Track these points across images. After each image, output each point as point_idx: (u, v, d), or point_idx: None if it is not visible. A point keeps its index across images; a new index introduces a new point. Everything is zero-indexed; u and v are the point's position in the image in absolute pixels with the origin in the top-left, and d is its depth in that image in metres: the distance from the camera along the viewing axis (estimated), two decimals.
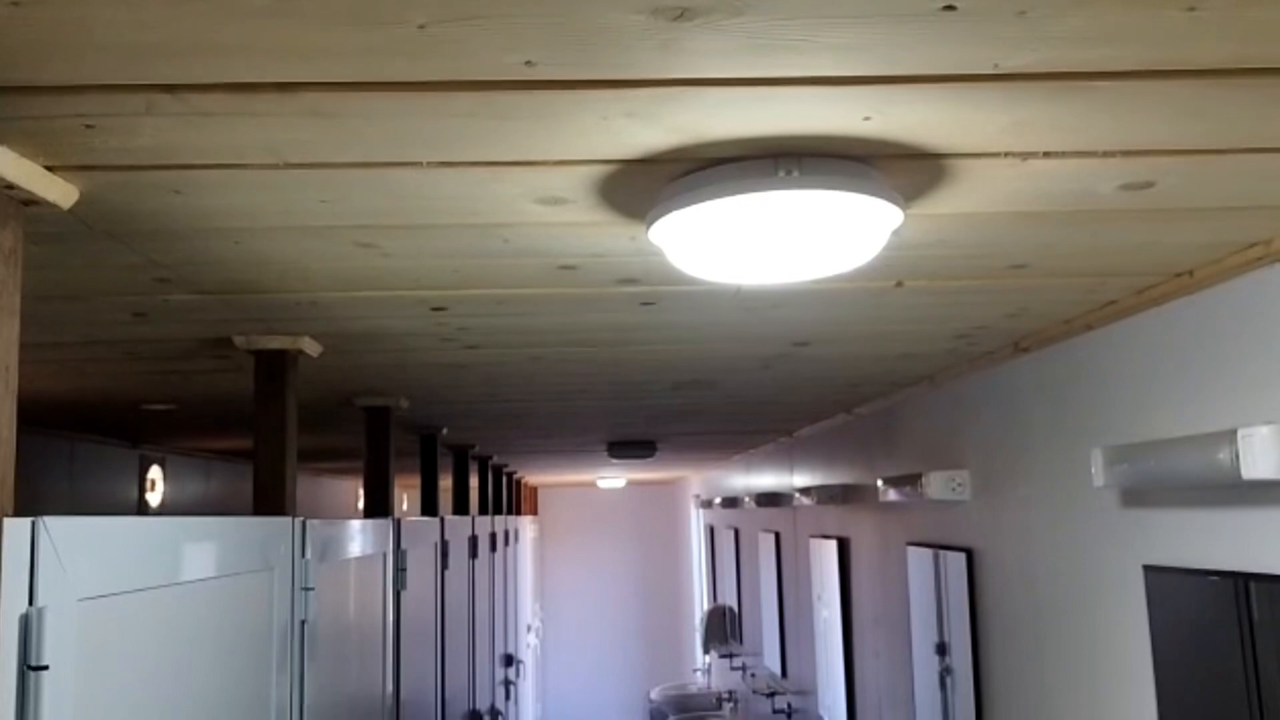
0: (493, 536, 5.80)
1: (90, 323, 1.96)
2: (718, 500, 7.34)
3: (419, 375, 2.79)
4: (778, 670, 5.63)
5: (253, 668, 1.83)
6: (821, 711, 4.62)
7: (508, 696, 6.43)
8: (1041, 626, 2.44)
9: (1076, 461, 2.26)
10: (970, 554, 2.86)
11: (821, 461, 4.65)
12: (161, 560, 1.47)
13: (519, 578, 7.67)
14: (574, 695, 11.23)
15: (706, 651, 7.91)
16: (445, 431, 4.38)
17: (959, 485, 2.88)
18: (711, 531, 8.42)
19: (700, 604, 9.20)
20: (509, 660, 6.69)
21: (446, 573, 4.06)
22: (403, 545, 3.19)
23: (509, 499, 8.04)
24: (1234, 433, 1.55)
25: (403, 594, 3.16)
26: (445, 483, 7.95)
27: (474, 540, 4.98)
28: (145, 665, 1.40)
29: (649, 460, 5.76)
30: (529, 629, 8.72)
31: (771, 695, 5.62)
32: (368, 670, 2.70)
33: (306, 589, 2.13)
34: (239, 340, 2.15)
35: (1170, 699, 1.90)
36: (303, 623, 2.11)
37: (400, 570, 3.16)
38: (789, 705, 5.37)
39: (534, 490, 11.45)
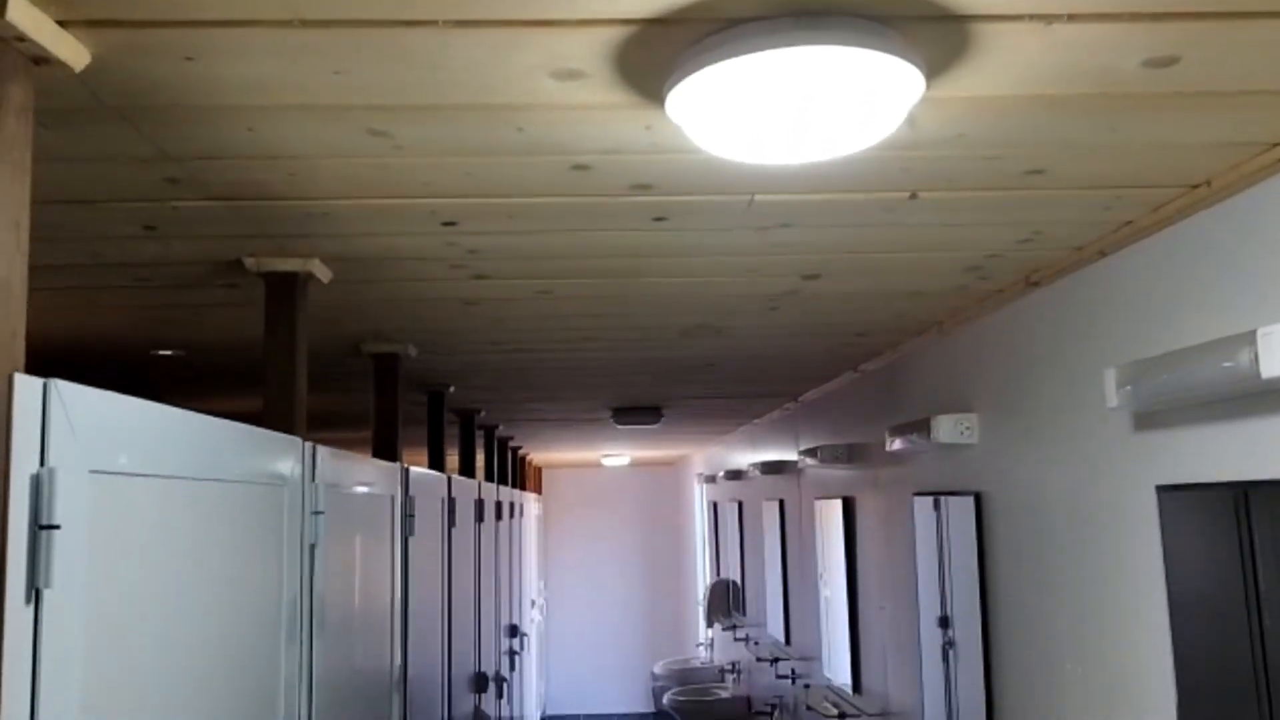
0: (498, 505, 5.80)
1: (101, 236, 1.95)
2: (721, 473, 7.33)
3: (428, 314, 2.78)
4: (781, 638, 5.63)
5: (261, 587, 1.82)
6: (827, 673, 4.62)
7: (512, 667, 6.43)
8: (1051, 559, 2.43)
9: (1088, 394, 2.24)
10: (978, 497, 2.85)
11: (827, 425, 4.64)
12: (175, 449, 1.46)
13: (523, 551, 7.68)
14: (577, 671, 11.25)
15: (710, 625, 7.91)
16: (452, 390, 4.37)
17: (967, 428, 2.87)
18: (715, 507, 8.42)
19: (703, 581, 9.20)
20: (513, 630, 6.69)
21: (454, 530, 4.06)
22: (411, 492, 3.19)
23: (514, 474, 8.04)
24: (1253, 334, 1.53)
25: (410, 541, 3.15)
26: (452, 461, 7.95)
27: (480, 504, 4.98)
28: (157, 555, 1.39)
29: (654, 427, 5.75)
30: (533, 604, 8.73)
31: (775, 661, 5.61)
32: (375, 610, 2.70)
33: (316, 513, 2.12)
34: (249, 262, 2.14)
35: (1184, 621, 1.88)
36: (312, 547, 2.11)
37: (408, 516, 3.15)
38: (793, 671, 5.37)
39: (538, 470, 11.45)
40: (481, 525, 5.02)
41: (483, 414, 5.49)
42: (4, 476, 1.08)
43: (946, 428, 2.87)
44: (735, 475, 6.87)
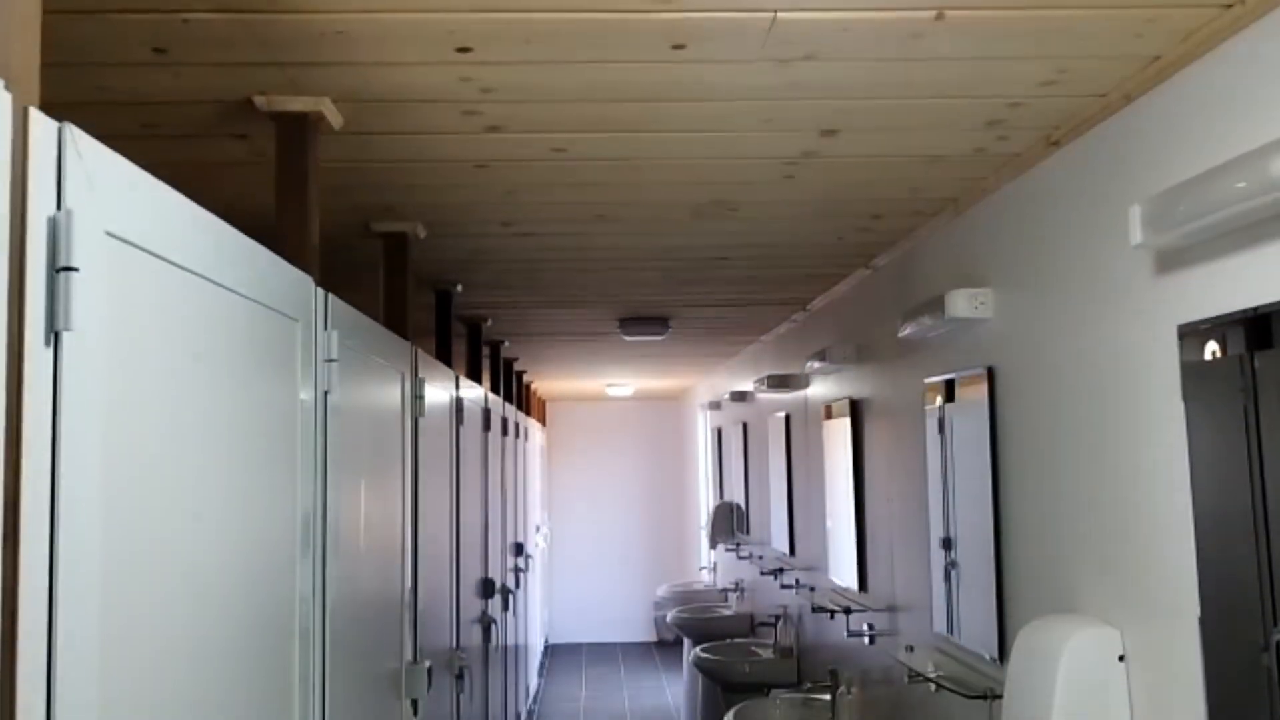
0: (504, 421, 5.80)
1: (108, 63, 1.91)
2: (726, 395, 7.34)
3: (438, 182, 2.75)
4: (786, 550, 5.66)
5: (273, 423, 1.80)
6: (832, 576, 4.65)
7: (517, 584, 6.49)
8: (1067, 418, 2.42)
9: (1108, 249, 2.21)
10: (991, 372, 2.84)
11: (836, 330, 4.62)
12: (191, 240, 1.44)
13: (527, 474, 7.71)
14: (580, 602, 11.37)
15: (713, 547, 7.97)
16: (460, 289, 4.34)
17: (982, 303, 2.85)
18: (719, 433, 8.44)
19: (705, 510, 9.25)
20: (519, 549, 6.74)
21: (461, 429, 4.05)
22: (420, 374, 3.18)
23: (519, 399, 8.04)
24: None
25: (421, 423, 3.14)
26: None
27: (487, 413, 4.98)
28: (173, 341, 1.38)
29: (661, 339, 5.73)
30: (537, 529, 8.79)
31: (779, 573, 5.65)
32: (387, 483, 2.69)
33: (330, 360, 2.11)
34: (259, 101, 2.11)
35: (1203, 469, 1.87)
36: (326, 393, 2.09)
37: (418, 398, 3.14)
38: (797, 580, 5.41)
39: (543, 403, 11.48)
40: (488, 434, 5.03)
41: (489, 323, 5.48)
42: (21, 214, 1.06)
43: (960, 302, 2.85)
44: (740, 396, 6.87)
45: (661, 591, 8.97)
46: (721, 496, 8.05)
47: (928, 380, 3.32)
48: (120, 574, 1.17)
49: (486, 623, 4.82)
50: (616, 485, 11.62)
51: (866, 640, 4.10)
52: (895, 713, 3.81)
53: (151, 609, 1.26)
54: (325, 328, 2.10)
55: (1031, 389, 2.62)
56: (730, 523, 7.28)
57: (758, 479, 6.65)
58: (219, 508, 1.50)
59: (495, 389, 6.44)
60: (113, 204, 1.21)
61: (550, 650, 10.80)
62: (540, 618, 9.40)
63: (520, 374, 8.15)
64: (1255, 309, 1.71)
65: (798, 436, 5.44)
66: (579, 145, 2.44)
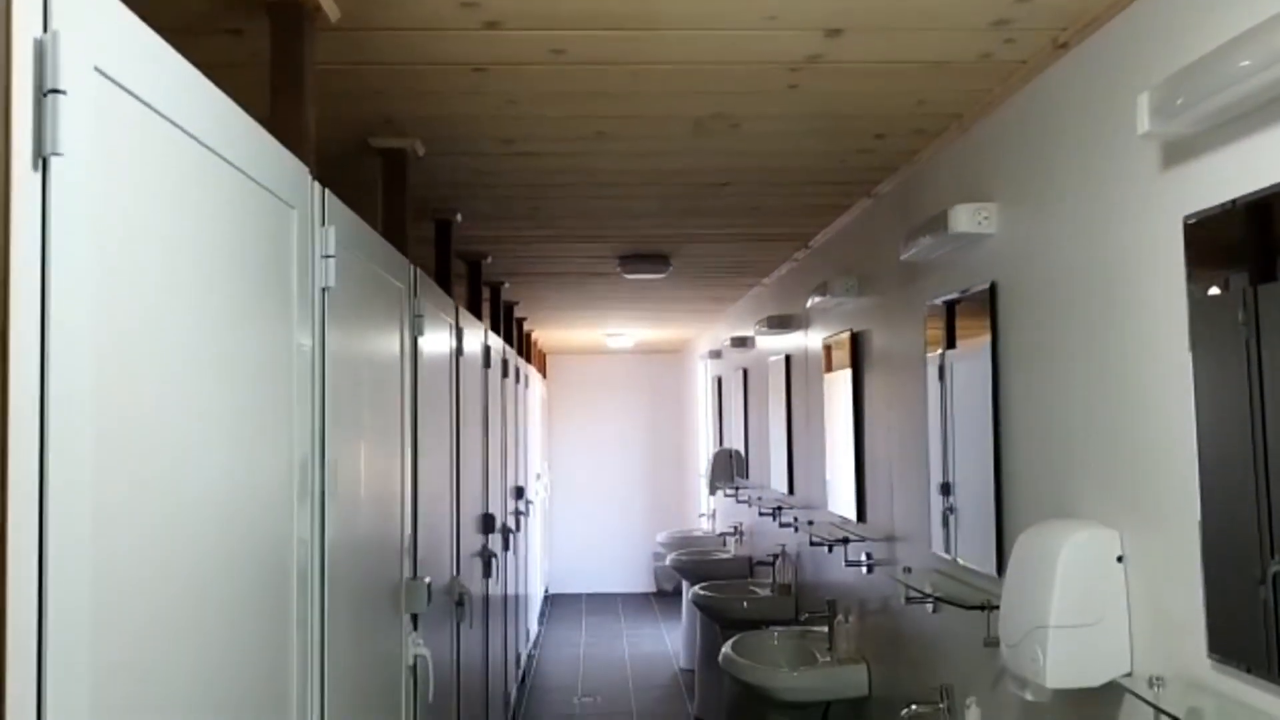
0: (505, 362, 5.79)
1: None
2: (727, 341, 7.32)
3: (436, 88, 2.71)
4: (784, 490, 5.68)
5: (271, 306, 1.78)
6: (830, 508, 4.66)
7: (517, 527, 6.51)
8: (1068, 330, 2.40)
9: (1115, 154, 2.18)
10: (994, 287, 2.82)
11: (839, 265, 4.59)
12: (185, 96, 1.41)
13: (528, 420, 7.71)
14: (580, 554, 11.42)
15: (712, 493, 7.99)
16: (460, 219, 4.31)
17: (986, 218, 2.82)
18: (719, 382, 8.44)
19: (705, 461, 9.27)
20: (519, 492, 6.76)
21: (461, 359, 4.04)
22: (419, 294, 3.16)
23: (520, 346, 8.03)
24: None
25: (420, 343, 3.13)
26: None
27: (487, 349, 4.97)
28: (166, 211, 1.35)
29: (662, 278, 5.71)
30: (538, 477, 8.82)
31: (777, 512, 5.67)
32: (385, 399, 2.67)
33: (327, 256, 2.09)
34: None
35: (1205, 371, 1.85)
36: (324, 290, 2.07)
37: (418, 316, 3.12)
38: (795, 519, 5.42)
39: (543, 355, 11.47)
40: (489, 372, 5.02)
41: (489, 261, 5.45)
42: (6, 33, 1.03)
43: (964, 217, 2.83)
44: (741, 342, 6.86)
45: (660, 538, 9.02)
46: (721, 445, 8.06)
47: (930, 302, 3.30)
48: (112, 420, 1.16)
49: (487, 557, 4.84)
50: (616, 439, 11.64)
51: (864, 570, 4.11)
52: (893, 637, 3.83)
53: (145, 463, 1.25)
54: (323, 223, 2.08)
55: (1034, 300, 2.60)
56: (729, 469, 7.30)
57: (757, 422, 6.66)
58: (211, 376, 1.49)
59: (495, 330, 6.43)
60: (101, 37, 1.18)
61: (550, 600, 10.87)
62: (541, 567, 9.45)
63: (521, 320, 8.13)
64: (1251, 193, 1.68)
65: (798, 375, 5.44)
66: (578, 45, 2.40)
